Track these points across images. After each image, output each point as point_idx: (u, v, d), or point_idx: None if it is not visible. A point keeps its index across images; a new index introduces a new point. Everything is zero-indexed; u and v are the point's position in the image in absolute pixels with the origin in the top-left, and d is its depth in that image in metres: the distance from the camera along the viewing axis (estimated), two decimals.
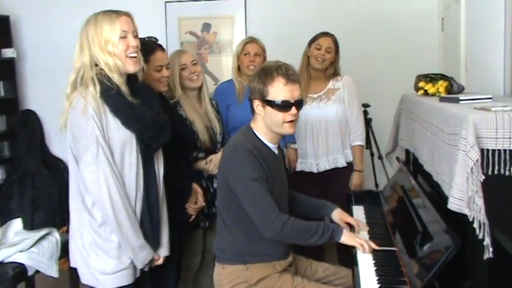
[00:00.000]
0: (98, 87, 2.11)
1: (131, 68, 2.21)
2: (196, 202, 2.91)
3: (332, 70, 3.50)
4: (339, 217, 2.57)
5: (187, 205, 2.88)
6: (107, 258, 2.20)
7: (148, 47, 2.57)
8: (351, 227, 2.53)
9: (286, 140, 3.61)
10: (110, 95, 2.13)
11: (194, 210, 2.92)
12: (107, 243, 2.20)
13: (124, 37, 2.16)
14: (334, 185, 3.47)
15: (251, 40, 3.52)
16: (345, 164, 3.48)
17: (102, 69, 2.15)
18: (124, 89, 2.18)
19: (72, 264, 2.34)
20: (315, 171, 3.49)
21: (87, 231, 2.20)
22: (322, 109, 3.45)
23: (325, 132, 3.46)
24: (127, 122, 2.17)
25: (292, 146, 3.58)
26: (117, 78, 2.16)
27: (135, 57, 2.22)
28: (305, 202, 2.68)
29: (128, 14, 2.22)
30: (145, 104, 2.28)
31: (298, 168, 3.54)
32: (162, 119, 2.35)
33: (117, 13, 2.18)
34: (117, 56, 2.15)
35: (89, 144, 2.09)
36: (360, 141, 3.49)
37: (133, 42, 2.19)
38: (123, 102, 2.16)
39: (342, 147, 3.48)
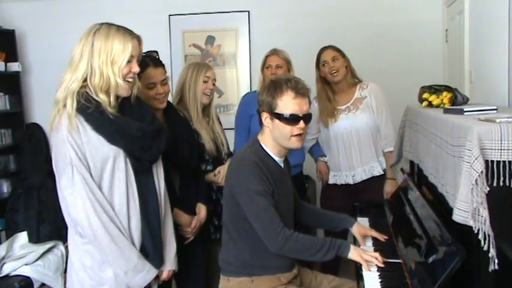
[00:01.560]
0: (75, 104, 2.01)
1: (124, 92, 2.12)
2: (190, 224, 2.79)
3: (350, 75, 3.47)
4: (358, 231, 2.57)
5: (179, 227, 2.74)
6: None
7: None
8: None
9: (316, 154, 3.65)
10: (88, 113, 2.02)
11: (188, 234, 2.80)
12: (103, 266, 2.09)
13: (130, 61, 2.08)
14: (370, 195, 3.37)
15: (272, 53, 3.50)
16: (381, 172, 3.46)
17: (84, 87, 2.05)
18: (106, 105, 2.06)
19: None
20: (351, 182, 3.47)
21: (84, 254, 2.09)
22: (351, 119, 3.43)
23: (357, 143, 3.44)
24: (111, 138, 2.06)
25: (322, 159, 3.59)
26: (102, 97, 2.05)
27: (130, 81, 2.14)
28: (323, 216, 2.68)
29: (139, 39, 2.14)
30: (135, 114, 2.17)
31: (331, 181, 3.54)
32: (155, 127, 2.22)
33: (131, 35, 2.10)
34: (118, 77, 2.06)
35: (65, 167, 2.00)
36: (392, 147, 3.37)
37: (136, 69, 2.12)
38: (103, 118, 2.04)
39: (377, 155, 3.47)
